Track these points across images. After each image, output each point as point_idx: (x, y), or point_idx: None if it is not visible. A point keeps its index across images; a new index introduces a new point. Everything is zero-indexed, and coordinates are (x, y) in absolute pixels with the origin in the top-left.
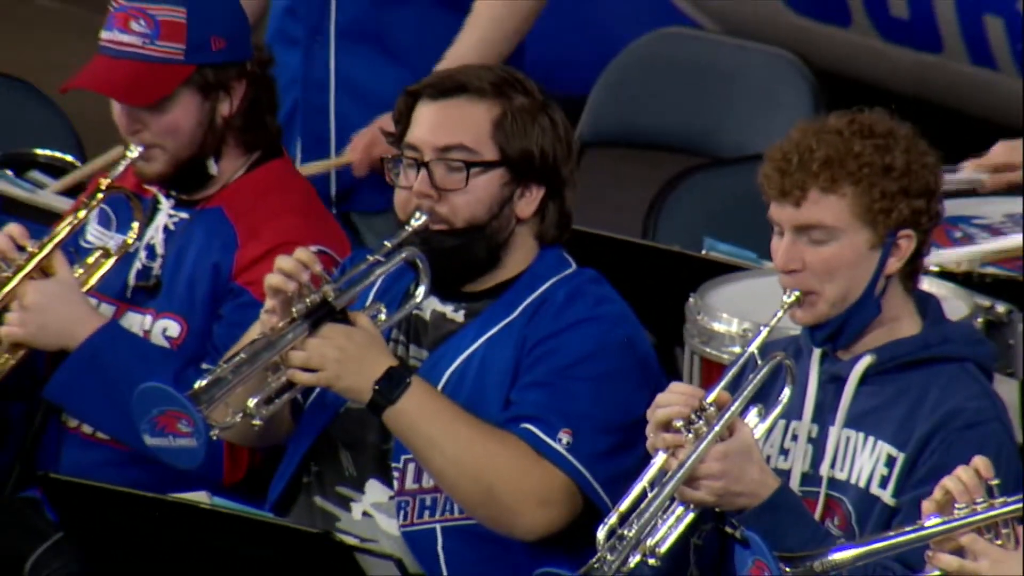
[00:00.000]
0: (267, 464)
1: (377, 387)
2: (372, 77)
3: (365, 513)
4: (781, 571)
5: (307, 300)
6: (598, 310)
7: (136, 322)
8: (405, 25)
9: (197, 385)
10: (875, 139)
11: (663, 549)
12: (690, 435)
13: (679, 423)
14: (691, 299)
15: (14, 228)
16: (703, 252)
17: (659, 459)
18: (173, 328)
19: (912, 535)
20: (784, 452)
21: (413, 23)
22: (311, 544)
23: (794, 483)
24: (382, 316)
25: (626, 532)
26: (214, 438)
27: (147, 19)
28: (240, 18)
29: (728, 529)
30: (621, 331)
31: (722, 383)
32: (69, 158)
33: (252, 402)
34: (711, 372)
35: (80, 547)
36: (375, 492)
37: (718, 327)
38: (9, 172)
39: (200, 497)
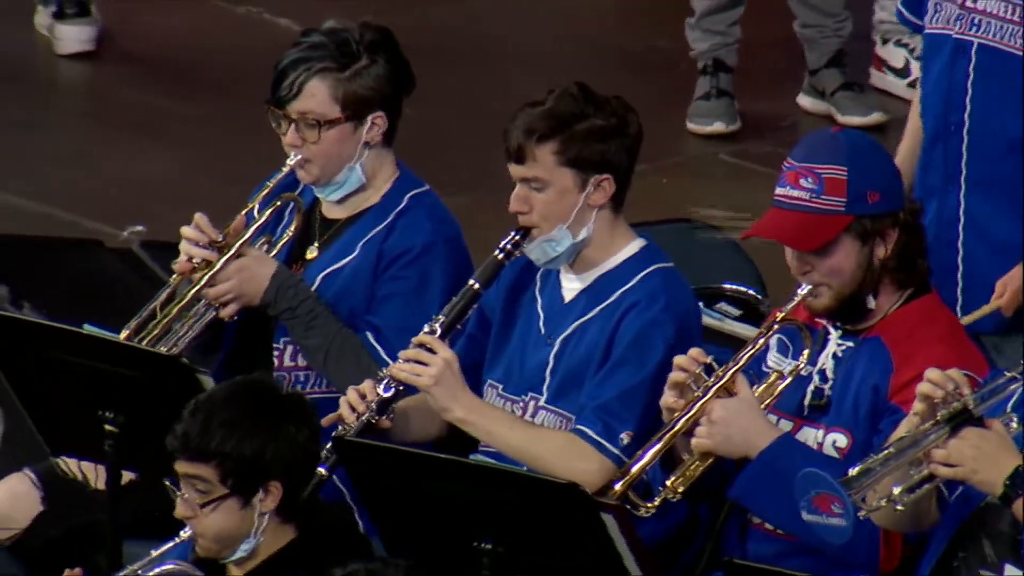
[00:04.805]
0: (915, 553)
1: (1008, 482)
2: (995, 220)
3: None
4: None
5: (950, 407)
6: None
7: (811, 436)
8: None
9: (850, 473)
10: None
11: None
12: None
13: None
14: None
15: (697, 351)
16: None
17: None
18: (841, 440)
19: None
20: None
21: None
22: None
23: None
24: (1014, 424)
25: None
26: (861, 517)
27: (814, 176)
28: (893, 174)
29: None
30: None
31: None
32: (752, 292)
33: (896, 490)
34: None
35: None
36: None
37: None
38: (700, 303)
39: None
